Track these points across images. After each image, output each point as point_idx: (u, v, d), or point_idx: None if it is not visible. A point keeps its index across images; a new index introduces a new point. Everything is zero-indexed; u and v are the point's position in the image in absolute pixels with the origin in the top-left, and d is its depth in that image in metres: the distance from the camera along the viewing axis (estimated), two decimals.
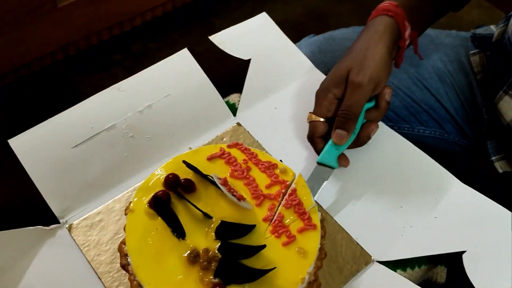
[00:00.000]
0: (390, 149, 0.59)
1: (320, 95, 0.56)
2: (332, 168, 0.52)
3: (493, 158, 0.72)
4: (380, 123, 0.61)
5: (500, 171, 0.71)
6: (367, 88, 0.52)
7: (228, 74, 0.71)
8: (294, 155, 0.55)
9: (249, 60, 0.63)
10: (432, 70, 0.77)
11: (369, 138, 0.55)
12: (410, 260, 0.50)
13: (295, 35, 0.73)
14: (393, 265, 0.48)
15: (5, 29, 0.98)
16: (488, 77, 0.72)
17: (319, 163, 0.52)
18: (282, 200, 0.46)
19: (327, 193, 0.52)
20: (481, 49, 0.75)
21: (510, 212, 0.52)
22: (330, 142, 0.52)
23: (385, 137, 0.60)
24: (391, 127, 0.64)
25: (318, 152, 0.54)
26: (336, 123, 0.53)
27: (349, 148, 0.55)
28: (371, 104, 0.54)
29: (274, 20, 1.16)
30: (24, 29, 1.01)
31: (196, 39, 1.37)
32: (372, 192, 0.54)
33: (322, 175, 0.52)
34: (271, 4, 1.52)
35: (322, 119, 0.54)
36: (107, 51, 1.34)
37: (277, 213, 0.44)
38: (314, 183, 0.51)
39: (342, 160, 0.54)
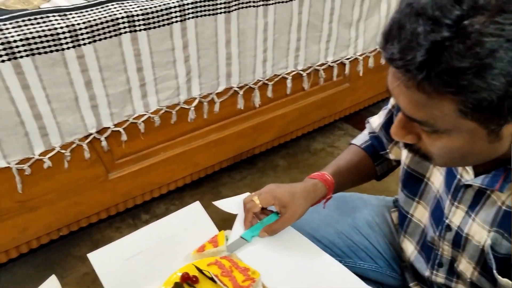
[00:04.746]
0: (336, 277, 0.77)
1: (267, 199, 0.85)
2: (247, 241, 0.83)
3: (411, 284, 0.92)
4: (329, 258, 0.81)
5: None
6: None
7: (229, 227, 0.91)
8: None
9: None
10: (364, 221, 0.97)
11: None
12: None
13: None
14: None
15: (68, 194, 1.32)
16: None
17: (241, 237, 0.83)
18: None
19: None
20: (399, 208, 0.94)
21: None
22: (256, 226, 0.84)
23: (332, 268, 0.79)
24: (339, 261, 0.81)
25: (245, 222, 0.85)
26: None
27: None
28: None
29: None
30: (82, 195, 1.33)
31: (207, 203, 1.69)
32: None
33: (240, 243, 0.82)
34: (265, 177, 1.82)
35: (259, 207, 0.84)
36: (138, 212, 1.66)
37: None
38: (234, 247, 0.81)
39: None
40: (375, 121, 0.96)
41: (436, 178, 0.79)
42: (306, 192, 0.85)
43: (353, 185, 0.95)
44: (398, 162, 0.93)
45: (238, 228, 0.87)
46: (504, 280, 0.67)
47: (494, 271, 0.67)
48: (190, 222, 0.89)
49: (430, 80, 0.50)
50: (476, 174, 0.67)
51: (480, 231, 0.69)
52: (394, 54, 0.52)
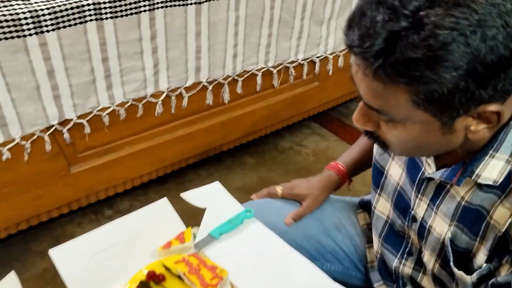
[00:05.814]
0: (305, 275, 0.77)
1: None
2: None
3: (375, 285, 0.92)
4: (297, 255, 0.79)
5: None
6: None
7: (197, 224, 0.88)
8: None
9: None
10: (331, 223, 0.98)
11: None
12: None
13: (249, 199, 0.99)
14: None
15: (28, 188, 1.27)
16: (368, 229, 0.97)
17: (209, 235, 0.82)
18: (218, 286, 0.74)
19: None
20: (365, 209, 1.00)
21: None
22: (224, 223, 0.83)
23: (301, 266, 0.79)
24: None
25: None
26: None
27: None
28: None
29: (233, 186, 1.47)
30: (43, 188, 1.28)
31: (173, 200, 1.66)
32: None
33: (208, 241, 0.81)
34: (232, 174, 1.80)
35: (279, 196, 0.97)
36: (100, 207, 1.60)
37: None
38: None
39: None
40: None
41: (395, 171, 0.81)
42: (322, 183, 0.98)
43: (368, 166, 0.99)
44: None
45: (206, 225, 0.85)
46: (458, 273, 0.68)
47: (451, 264, 0.69)
48: (157, 218, 0.87)
49: (385, 69, 0.51)
50: (438, 168, 0.69)
51: (441, 224, 0.70)
52: (353, 41, 0.53)
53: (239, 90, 1.59)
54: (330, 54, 1.77)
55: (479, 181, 0.62)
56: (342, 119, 2.22)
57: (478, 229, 0.65)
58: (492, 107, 0.54)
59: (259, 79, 1.62)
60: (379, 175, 0.85)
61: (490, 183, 0.61)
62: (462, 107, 0.53)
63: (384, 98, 0.56)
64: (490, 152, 0.61)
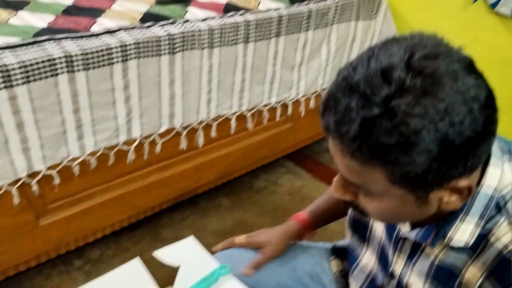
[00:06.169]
0: None
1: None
2: None
3: None
4: None
5: None
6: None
7: (171, 276, 0.86)
8: None
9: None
10: (305, 271, 0.97)
11: None
12: None
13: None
14: None
15: None
16: (341, 276, 0.97)
17: None
18: None
19: None
20: (338, 255, 0.99)
21: None
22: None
23: None
24: None
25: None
26: None
27: None
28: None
29: (209, 230, 1.44)
30: (9, 243, 1.22)
31: (146, 247, 1.58)
32: None
33: None
34: (208, 217, 1.76)
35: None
36: (70, 257, 1.53)
37: None
38: None
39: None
40: None
41: (379, 225, 0.82)
42: (281, 232, 0.97)
43: (333, 219, 1.02)
44: None
45: (181, 285, 0.83)
46: None
47: None
48: (128, 281, 0.84)
49: (361, 151, 0.54)
50: (413, 227, 0.70)
51: (417, 282, 0.71)
52: (330, 126, 0.55)
53: (213, 134, 1.59)
54: (302, 96, 1.80)
55: (451, 244, 0.64)
56: (316, 157, 2.24)
57: (451, 287, 0.66)
58: (463, 182, 0.56)
59: (233, 123, 1.62)
60: (364, 228, 0.86)
61: (462, 245, 0.64)
62: (435, 184, 0.56)
63: (361, 175, 0.57)
64: (461, 216, 0.63)
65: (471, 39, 1.76)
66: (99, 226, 1.44)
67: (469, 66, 0.54)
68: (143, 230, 1.69)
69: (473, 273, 0.63)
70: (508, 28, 1.70)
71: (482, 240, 0.62)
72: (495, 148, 0.61)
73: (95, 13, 1.31)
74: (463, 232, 0.63)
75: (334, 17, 1.72)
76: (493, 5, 1.69)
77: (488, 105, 0.53)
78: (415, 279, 0.72)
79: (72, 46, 1.11)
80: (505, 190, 0.62)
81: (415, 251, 0.71)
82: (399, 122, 0.50)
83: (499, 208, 0.62)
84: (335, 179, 0.65)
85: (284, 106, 1.78)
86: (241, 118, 1.65)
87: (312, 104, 1.85)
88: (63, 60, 1.09)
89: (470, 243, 0.63)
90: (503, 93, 1.70)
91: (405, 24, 1.99)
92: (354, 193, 0.64)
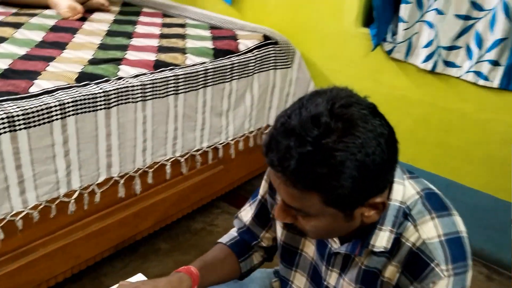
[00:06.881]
0: None
1: None
2: None
3: None
4: None
5: None
6: None
7: None
8: None
9: None
10: None
11: None
12: None
13: None
14: None
15: None
16: None
17: None
18: None
19: None
20: (279, 278, 1.06)
21: None
22: None
23: None
24: None
25: None
26: None
27: None
28: None
29: (151, 274, 1.47)
30: None
31: None
32: None
33: None
34: (148, 262, 1.81)
35: None
36: None
37: None
38: None
39: None
40: (246, 214, 1.06)
41: (310, 248, 0.95)
42: (170, 285, 0.87)
43: (218, 280, 0.98)
44: (261, 260, 1.06)
45: None
46: None
47: None
48: None
49: (300, 181, 0.68)
50: (342, 242, 0.86)
51: None
52: (274, 162, 0.69)
53: (150, 180, 1.68)
54: (231, 140, 1.95)
55: (374, 249, 0.80)
56: (248, 196, 2.32)
57: (375, 287, 0.83)
58: (378, 199, 0.73)
59: (168, 169, 1.73)
60: (293, 254, 0.96)
61: (382, 249, 0.80)
62: (359, 201, 0.72)
63: (300, 200, 0.71)
64: (378, 226, 0.79)
65: (374, 81, 2.02)
66: (43, 278, 1.46)
67: (374, 110, 0.70)
68: (85, 280, 1.71)
69: (391, 271, 0.80)
70: (403, 70, 1.98)
71: (397, 243, 0.78)
72: (398, 170, 0.78)
73: (32, 75, 1.39)
74: (382, 239, 0.79)
75: (254, 67, 1.91)
76: (389, 52, 1.96)
77: (391, 139, 0.70)
78: (347, 286, 0.86)
79: (13, 107, 1.19)
80: (409, 201, 0.79)
81: (347, 262, 0.86)
82: (328, 156, 0.65)
83: (406, 215, 0.78)
84: (277, 206, 0.79)
85: (215, 150, 1.92)
86: (176, 163, 1.76)
87: (241, 146, 2.01)
88: (6, 120, 1.17)
89: (388, 247, 0.79)
90: (403, 125, 1.96)
91: (317, 70, 2.23)
92: (294, 216, 0.78)
